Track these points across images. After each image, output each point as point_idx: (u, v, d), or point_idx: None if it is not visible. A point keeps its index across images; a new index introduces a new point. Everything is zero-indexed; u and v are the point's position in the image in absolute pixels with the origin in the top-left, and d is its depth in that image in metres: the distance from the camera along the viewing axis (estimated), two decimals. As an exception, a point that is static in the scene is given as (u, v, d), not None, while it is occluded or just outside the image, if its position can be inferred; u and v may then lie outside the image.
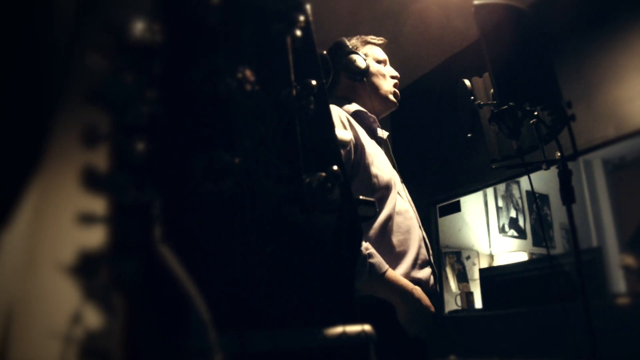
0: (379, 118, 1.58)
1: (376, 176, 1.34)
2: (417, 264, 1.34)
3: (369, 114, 1.52)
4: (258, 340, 0.33)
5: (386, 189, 1.36)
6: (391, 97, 1.57)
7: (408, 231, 1.36)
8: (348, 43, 1.52)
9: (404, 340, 1.26)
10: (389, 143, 1.59)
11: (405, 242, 1.34)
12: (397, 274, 1.26)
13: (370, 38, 1.62)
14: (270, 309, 0.36)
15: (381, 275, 1.21)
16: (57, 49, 0.66)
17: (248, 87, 0.38)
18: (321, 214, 0.41)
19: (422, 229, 1.44)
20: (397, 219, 1.35)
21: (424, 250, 1.39)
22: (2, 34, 0.60)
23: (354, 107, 1.51)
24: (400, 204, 1.39)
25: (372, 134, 1.52)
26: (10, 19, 0.61)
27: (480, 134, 1.50)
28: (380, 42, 1.64)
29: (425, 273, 1.36)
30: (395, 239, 1.33)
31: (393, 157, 1.54)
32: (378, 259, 1.22)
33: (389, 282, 1.22)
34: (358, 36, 1.61)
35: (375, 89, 1.55)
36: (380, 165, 1.39)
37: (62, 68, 0.65)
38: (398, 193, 1.42)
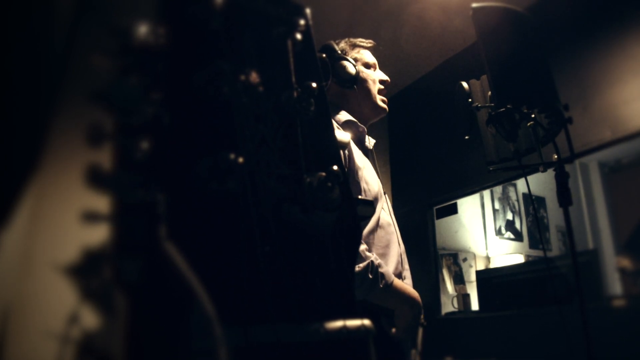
0: (368, 124, 1.56)
1: (365, 190, 1.34)
2: None
3: (358, 123, 1.49)
4: (262, 334, 0.34)
5: (375, 201, 1.36)
6: (380, 104, 1.53)
7: (387, 246, 1.36)
8: (336, 47, 1.47)
9: (387, 341, 1.28)
10: (374, 152, 1.56)
11: (383, 257, 1.33)
12: (400, 282, 1.28)
13: (359, 41, 1.57)
14: (273, 304, 0.37)
15: (390, 285, 1.22)
16: (54, 46, 0.66)
17: (250, 89, 0.39)
18: (322, 213, 0.42)
19: (401, 244, 1.43)
20: (378, 233, 1.35)
21: (400, 266, 1.39)
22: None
23: (344, 116, 1.48)
24: (384, 218, 1.39)
25: (360, 144, 1.50)
26: (7, 15, 0.61)
27: (478, 136, 1.50)
28: (369, 44, 1.59)
29: None
30: (374, 252, 1.32)
31: (377, 167, 1.53)
32: (386, 268, 1.23)
33: (396, 291, 1.24)
34: (347, 39, 1.56)
35: (365, 96, 1.51)
36: (369, 178, 1.39)
37: (60, 65, 0.65)
38: (382, 207, 1.42)
